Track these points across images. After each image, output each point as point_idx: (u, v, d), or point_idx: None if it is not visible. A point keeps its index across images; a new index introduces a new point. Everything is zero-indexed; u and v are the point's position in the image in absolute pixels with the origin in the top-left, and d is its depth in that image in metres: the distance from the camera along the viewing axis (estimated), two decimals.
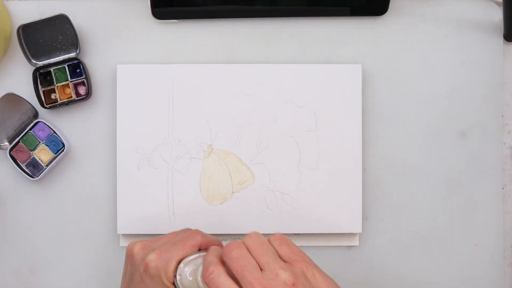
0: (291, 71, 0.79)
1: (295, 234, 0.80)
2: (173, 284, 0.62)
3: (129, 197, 0.78)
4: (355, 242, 0.81)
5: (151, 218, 0.78)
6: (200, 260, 0.62)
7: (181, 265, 0.62)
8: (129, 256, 0.65)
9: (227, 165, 0.79)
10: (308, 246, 0.80)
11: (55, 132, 0.78)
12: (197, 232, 0.66)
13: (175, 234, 0.68)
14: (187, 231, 0.68)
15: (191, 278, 0.62)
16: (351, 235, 0.80)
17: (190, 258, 0.62)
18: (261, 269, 0.59)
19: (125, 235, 0.80)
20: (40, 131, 0.78)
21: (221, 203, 0.79)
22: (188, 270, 0.62)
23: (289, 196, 0.79)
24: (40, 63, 0.78)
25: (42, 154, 0.79)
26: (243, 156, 0.79)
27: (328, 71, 0.79)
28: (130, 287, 0.64)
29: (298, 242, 0.80)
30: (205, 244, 0.65)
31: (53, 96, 0.79)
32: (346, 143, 0.79)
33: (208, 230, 0.78)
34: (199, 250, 0.65)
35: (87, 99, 0.79)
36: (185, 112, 0.79)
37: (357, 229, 0.79)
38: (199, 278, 0.61)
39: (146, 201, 0.78)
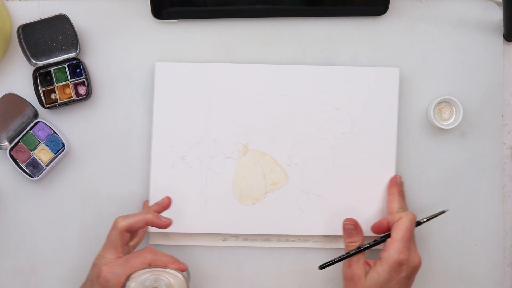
0: (328, 73, 0.79)
1: (325, 236, 0.80)
2: None
3: (162, 195, 0.78)
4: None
5: (183, 217, 0.78)
6: (146, 275, 0.67)
7: (128, 282, 0.68)
8: (93, 264, 0.71)
9: (262, 165, 0.79)
10: (338, 248, 0.80)
11: (55, 132, 0.78)
12: (149, 250, 0.70)
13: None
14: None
15: None
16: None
17: (137, 274, 0.68)
18: None
19: (154, 233, 0.80)
20: (40, 131, 0.78)
21: (253, 203, 0.79)
22: (135, 285, 0.67)
23: (321, 198, 0.79)
24: (40, 63, 0.78)
25: (42, 154, 0.79)
26: (278, 157, 0.79)
27: (366, 74, 0.79)
28: (85, 287, 0.71)
29: (330, 245, 0.80)
30: (155, 261, 0.69)
31: (53, 96, 0.79)
32: (380, 146, 0.79)
33: (239, 230, 0.79)
34: (150, 266, 0.69)
35: (87, 99, 0.79)
36: (222, 111, 0.78)
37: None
38: None
39: (178, 200, 0.78)
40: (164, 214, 0.74)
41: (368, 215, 0.78)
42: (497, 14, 0.81)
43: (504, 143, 0.82)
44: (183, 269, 0.70)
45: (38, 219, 0.80)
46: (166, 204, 0.76)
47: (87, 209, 0.80)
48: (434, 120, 0.79)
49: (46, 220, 0.80)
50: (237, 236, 0.80)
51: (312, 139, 0.79)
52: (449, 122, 0.80)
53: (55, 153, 0.79)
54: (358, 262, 0.73)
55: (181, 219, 0.78)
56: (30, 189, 0.80)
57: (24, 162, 0.78)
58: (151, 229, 0.78)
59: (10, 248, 0.80)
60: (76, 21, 0.79)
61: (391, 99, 0.79)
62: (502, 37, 0.82)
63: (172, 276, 0.68)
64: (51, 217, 0.80)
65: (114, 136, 0.80)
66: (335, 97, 0.79)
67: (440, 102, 0.80)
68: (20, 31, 0.77)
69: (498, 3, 0.81)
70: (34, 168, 0.79)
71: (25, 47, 0.78)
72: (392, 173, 0.79)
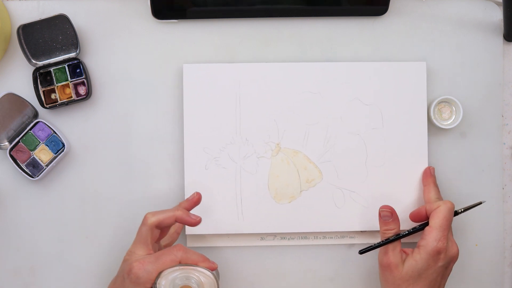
0: (357, 69, 0.79)
1: (361, 231, 0.80)
2: None
3: None
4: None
5: (220, 218, 0.78)
6: (176, 273, 0.68)
7: (159, 279, 0.68)
8: (124, 260, 0.71)
9: (295, 163, 0.79)
10: (374, 243, 0.80)
11: (55, 132, 0.78)
12: (179, 247, 0.70)
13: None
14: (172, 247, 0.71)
15: None
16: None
17: (167, 271, 0.68)
18: None
19: (191, 236, 0.80)
20: (40, 131, 0.78)
21: (289, 202, 0.79)
22: (165, 283, 0.68)
23: (356, 194, 0.79)
24: (40, 63, 0.78)
25: (42, 154, 0.79)
26: (311, 155, 0.79)
27: (393, 69, 0.79)
28: (116, 283, 0.71)
29: (365, 240, 0.81)
30: (186, 259, 0.69)
31: (53, 96, 0.79)
32: (412, 139, 0.79)
33: (276, 229, 0.79)
34: (180, 264, 0.69)
35: (87, 99, 0.79)
36: (252, 111, 0.79)
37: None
38: None
39: (214, 201, 0.78)
40: (201, 214, 0.74)
41: (402, 209, 0.78)
42: (497, 14, 0.81)
43: (504, 143, 0.82)
44: (213, 268, 0.70)
45: (38, 219, 0.80)
46: (196, 199, 0.75)
47: (87, 209, 0.80)
48: (434, 120, 0.79)
49: (46, 220, 0.80)
50: (274, 235, 0.80)
51: (344, 135, 0.79)
52: (449, 122, 0.80)
53: (55, 153, 0.79)
54: (394, 250, 0.73)
55: (218, 220, 0.78)
56: (30, 189, 0.80)
57: (24, 162, 0.78)
58: (188, 231, 0.79)
59: (10, 248, 0.80)
60: (76, 21, 0.79)
61: (419, 92, 0.79)
62: (502, 37, 0.82)
63: (202, 275, 0.69)
64: (51, 217, 0.80)
65: (114, 136, 0.80)
66: (364, 92, 0.79)
67: (440, 102, 0.80)
68: (20, 31, 0.77)
69: (498, 3, 0.81)
70: (34, 168, 0.79)
71: (25, 47, 0.78)
72: (425, 165, 0.79)
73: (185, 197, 0.78)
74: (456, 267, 0.81)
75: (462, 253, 0.81)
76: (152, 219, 0.70)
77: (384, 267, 0.73)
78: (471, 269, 0.82)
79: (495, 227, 0.82)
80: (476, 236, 0.81)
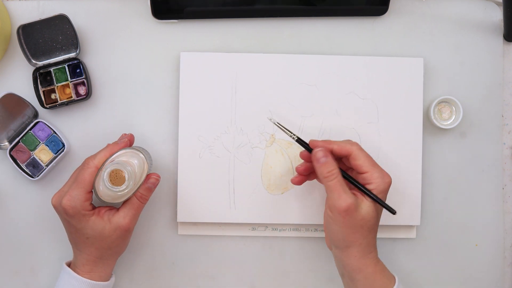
0: (354, 62, 0.79)
1: None
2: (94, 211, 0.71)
3: (189, 185, 0.78)
4: (412, 234, 0.81)
5: (212, 207, 0.79)
6: (102, 171, 0.70)
7: (99, 191, 0.70)
8: (55, 210, 0.73)
9: (289, 155, 0.79)
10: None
11: (55, 132, 0.78)
12: (86, 160, 0.71)
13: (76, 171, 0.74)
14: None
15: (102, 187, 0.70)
16: (409, 227, 0.80)
17: (96, 181, 0.70)
18: None
19: (183, 223, 0.80)
20: (40, 131, 0.78)
21: (282, 193, 0.79)
22: (98, 183, 0.70)
23: None
24: (40, 63, 0.78)
25: (42, 154, 0.79)
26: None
27: (390, 64, 0.79)
28: (70, 234, 0.73)
29: None
30: (99, 163, 0.71)
31: (53, 96, 0.79)
32: (407, 136, 0.79)
33: (268, 219, 0.79)
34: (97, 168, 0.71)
35: (87, 99, 0.79)
36: (248, 101, 0.79)
37: (415, 221, 0.79)
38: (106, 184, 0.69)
39: (206, 190, 0.78)
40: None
41: (395, 203, 0.78)
42: (497, 14, 0.81)
43: (504, 143, 0.82)
44: (125, 145, 0.73)
45: (38, 219, 0.80)
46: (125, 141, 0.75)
47: None
48: (434, 120, 0.79)
49: (46, 220, 0.80)
50: (266, 225, 0.80)
51: (339, 128, 0.79)
52: (449, 122, 0.80)
53: (55, 153, 0.79)
54: (347, 192, 0.68)
55: (210, 209, 0.79)
56: (30, 189, 0.80)
57: (24, 162, 0.78)
58: (180, 218, 0.79)
59: (10, 248, 0.80)
60: (76, 21, 0.79)
61: (415, 89, 0.79)
62: (502, 37, 0.82)
63: (122, 156, 0.71)
64: (51, 217, 0.80)
65: (114, 136, 0.80)
66: (360, 86, 0.79)
67: (440, 102, 0.80)
68: (20, 31, 0.77)
69: (498, 3, 0.81)
70: (34, 168, 0.79)
71: (25, 47, 0.78)
72: (419, 162, 0.79)
73: (178, 185, 0.79)
74: (456, 267, 0.81)
75: (462, 253, 0.81)
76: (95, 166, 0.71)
77: (344, 211, 0.66)
78: (471, 269, 0.82)
79: (495, 227, 0.82)
80: (476, 236, 0.81)
